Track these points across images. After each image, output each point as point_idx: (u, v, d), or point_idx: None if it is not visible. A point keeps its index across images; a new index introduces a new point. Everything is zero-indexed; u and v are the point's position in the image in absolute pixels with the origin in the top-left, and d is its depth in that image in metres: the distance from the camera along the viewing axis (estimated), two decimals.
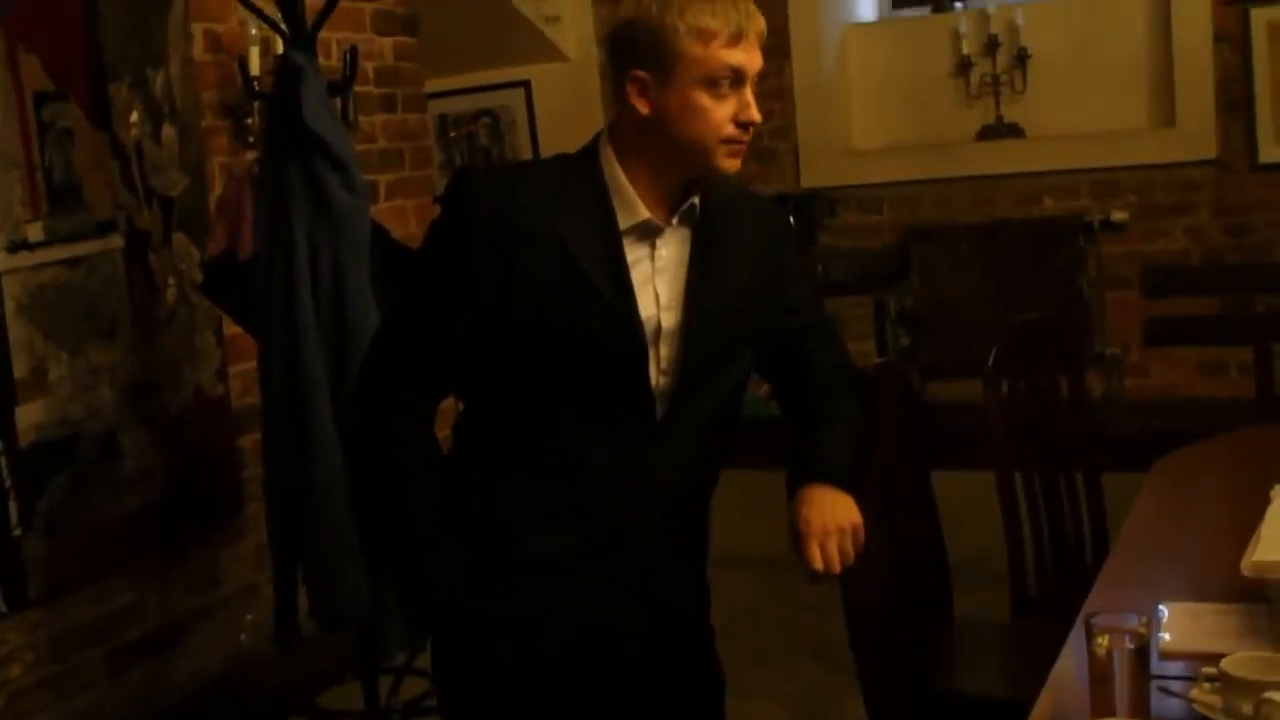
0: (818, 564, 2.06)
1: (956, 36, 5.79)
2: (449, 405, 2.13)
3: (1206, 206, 5.40)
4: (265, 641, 3.68)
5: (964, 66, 5.79)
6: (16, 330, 3.20)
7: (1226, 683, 1.65)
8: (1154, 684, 1.68)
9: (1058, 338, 3.33)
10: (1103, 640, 1.65)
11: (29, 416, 3.23)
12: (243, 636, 3.72)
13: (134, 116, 3.50)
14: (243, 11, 3.45)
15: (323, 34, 4.11)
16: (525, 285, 1.98)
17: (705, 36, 1.90)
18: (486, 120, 6.08)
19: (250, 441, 3.72)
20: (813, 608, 3.49)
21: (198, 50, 3.74)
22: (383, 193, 4.43)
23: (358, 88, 4.24)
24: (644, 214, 2.01)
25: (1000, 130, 5.74)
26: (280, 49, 3.20)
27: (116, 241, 3.44)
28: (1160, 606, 2.05)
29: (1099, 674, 1.65)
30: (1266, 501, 2.24)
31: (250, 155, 3.71)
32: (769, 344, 2.20)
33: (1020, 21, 5.68)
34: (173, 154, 3.61)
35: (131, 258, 3.48)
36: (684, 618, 2.19)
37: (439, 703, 2.24)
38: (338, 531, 2.97)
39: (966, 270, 5.58)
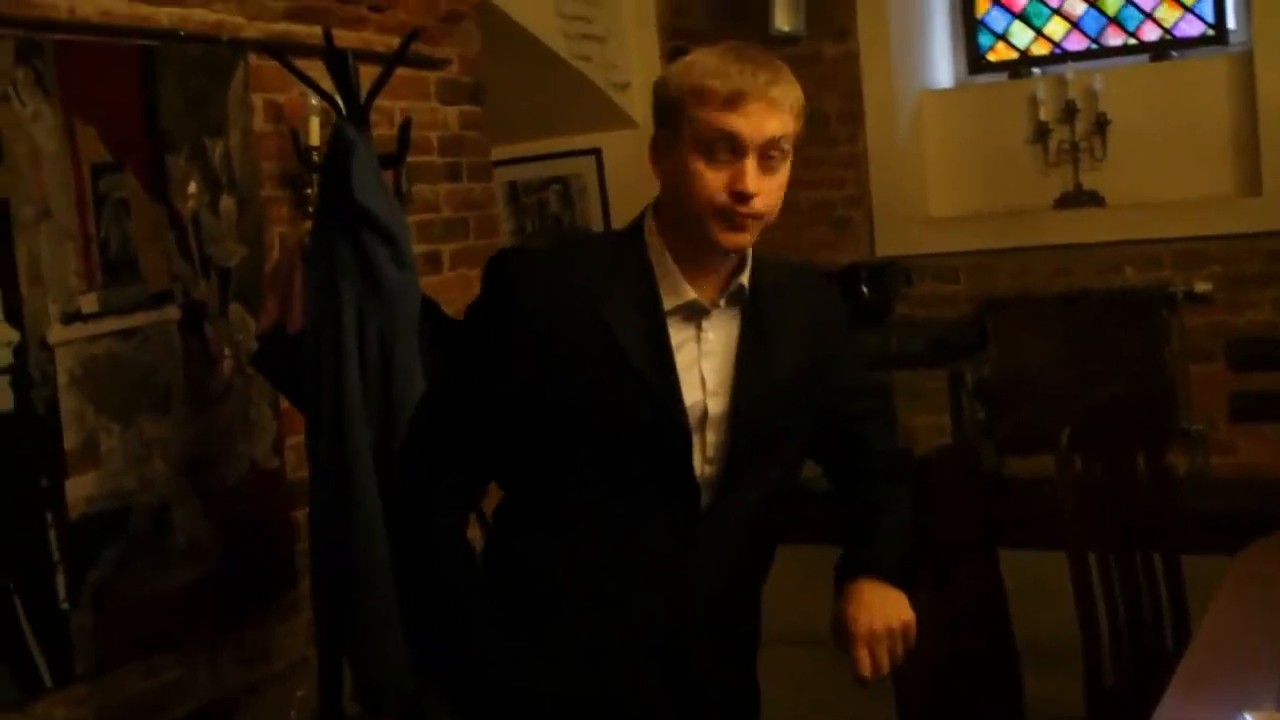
0: (865, 669, 1.96)
1: (1034, 103, 5.67)
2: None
3: None
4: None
5: (1042, 133, 5.67)
6: (68, 402, 3.19)
7: None
8: None
9: (1136, 413, 3.22)
10: None
11: (79, 489, 3.21)
12: (292, 714, 3.66)
13: (191, 187, 3.49)
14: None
15: (385, 103, 4.14)
16: (565, 371, 1.91)
17: (702, 97, 1.83)
18: (557, 187, 6.06)
19: (305, 515, 3.67)
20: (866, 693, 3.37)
21: (259, 120, 3.73)
22: (447, 262, 4.40)
23: (421, 157, 4.24)
24: (689, 294, 1.93)
25: (1079, 198, 5.61)
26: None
27: (172, 313, 3.43)
28: (1243, 715, 1.93)
29: None
30: None
31: (308, 226, 3.69)
32: (821, 429, 2.12)
33: (1099, 87, 5.56)
34: (230, 224, 3.59)
35: (187, 329, 3.46)
36: (731, 714, 2.10)
37: None
38: (382, 610, 2.91)
39: (1045, 342, 5.44)
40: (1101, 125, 5.56)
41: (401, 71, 4.21)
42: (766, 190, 1.87)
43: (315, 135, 3.63)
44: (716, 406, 1.95)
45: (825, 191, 5.88)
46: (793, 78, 1.92)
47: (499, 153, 5.04)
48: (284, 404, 3.64)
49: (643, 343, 1.91)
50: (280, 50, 3.36)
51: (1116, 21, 5.82)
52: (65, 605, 3.14)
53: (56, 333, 3.16)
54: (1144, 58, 5.73)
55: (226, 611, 3.55)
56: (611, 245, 2.02)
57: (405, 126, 3.39)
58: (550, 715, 1.99)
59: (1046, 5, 5.91)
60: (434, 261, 4.30)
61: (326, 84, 3.19)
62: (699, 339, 1.95)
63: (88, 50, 3.25)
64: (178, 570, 3.41)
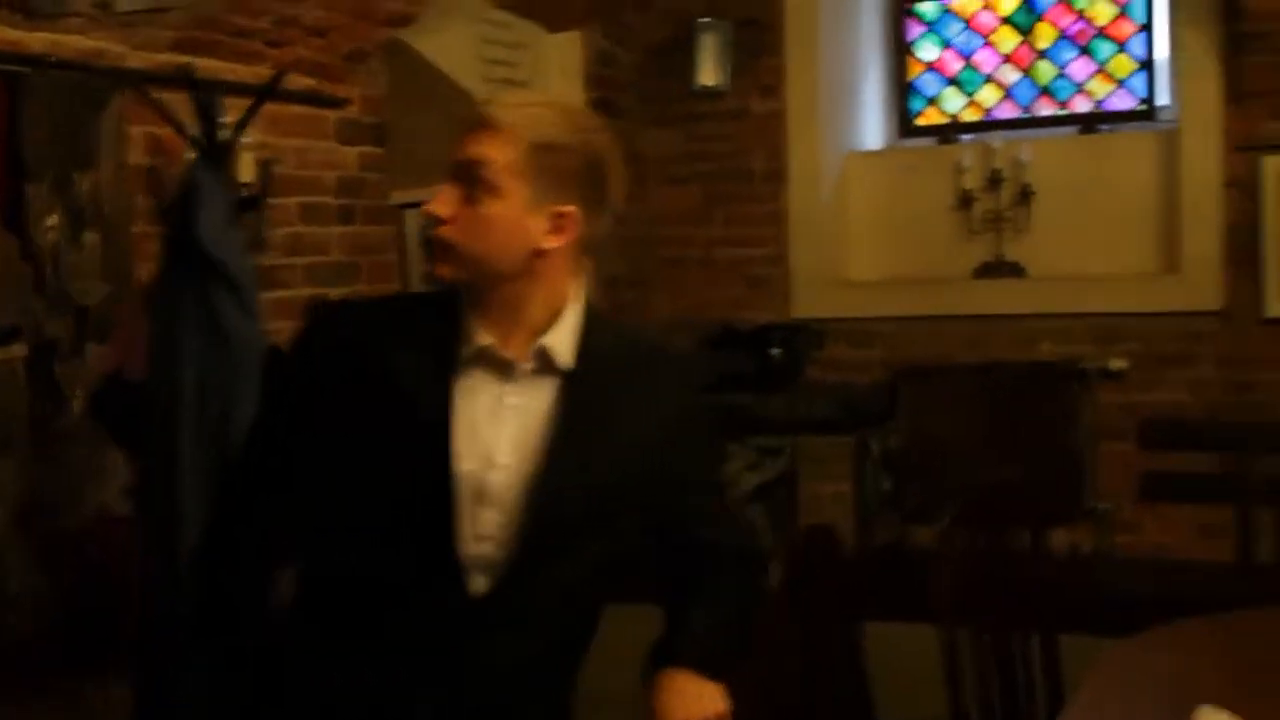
0: None
1: (960, 169, 5.60)
2: None
3: (1209, 359, 5.15)
4: None
5: (966, 201, 5.60)
6: None
7: None
8: None
9: (1027, 492, 3.19)
10: None
11: None
12: None
13: (52, 220, 3.34)
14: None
15: (279, 141, 4.02)
16: (342, 423, 1.80)
17: None
18: None
19: None
20: None
21: (136, 153, 3.59)
22: None
23: (313, 198, 4.13)
24: (483, 340, 1.81)
25: (1000, 269, 5.53)
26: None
27: (18, 350, 3.28)
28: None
29: None
30: None
31: None
32: (651, 521, 1.99)
33: (1026, 157, 5.49)
34: (94, 260, 3.44)
35: (34, 367, 3.31)
36: None
37: None
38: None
39: (956, 413, 5.34)
40: (1026, 195, 5.49)
41: (299, 110, 4.12)
42: (463, 220, 1.78)
43: None
44: (503, 480, 1.81)
45: (745, 249, 5.79)
46: (546, 108, 1.82)
47: (416, 195, 4.91)
48: None
49: (424, 396, 1.79)
50: (140, 80, 3.22)
51: (1048, 92, 5.77)
52: None
53: None
54: (1073, 129, 5.67)
55: (65, 666, 3.38)
56: (436, 295, 1.91)
57: (265, 167, 3.27)
58: None
59: (979, 72, 5.85)
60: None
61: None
62: (500, 401, 1.83)
63: None
64: (9, 621, 3.25)
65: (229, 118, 3.44)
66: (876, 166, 5.88)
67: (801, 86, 5.70)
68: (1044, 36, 5.72)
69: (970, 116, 5.87)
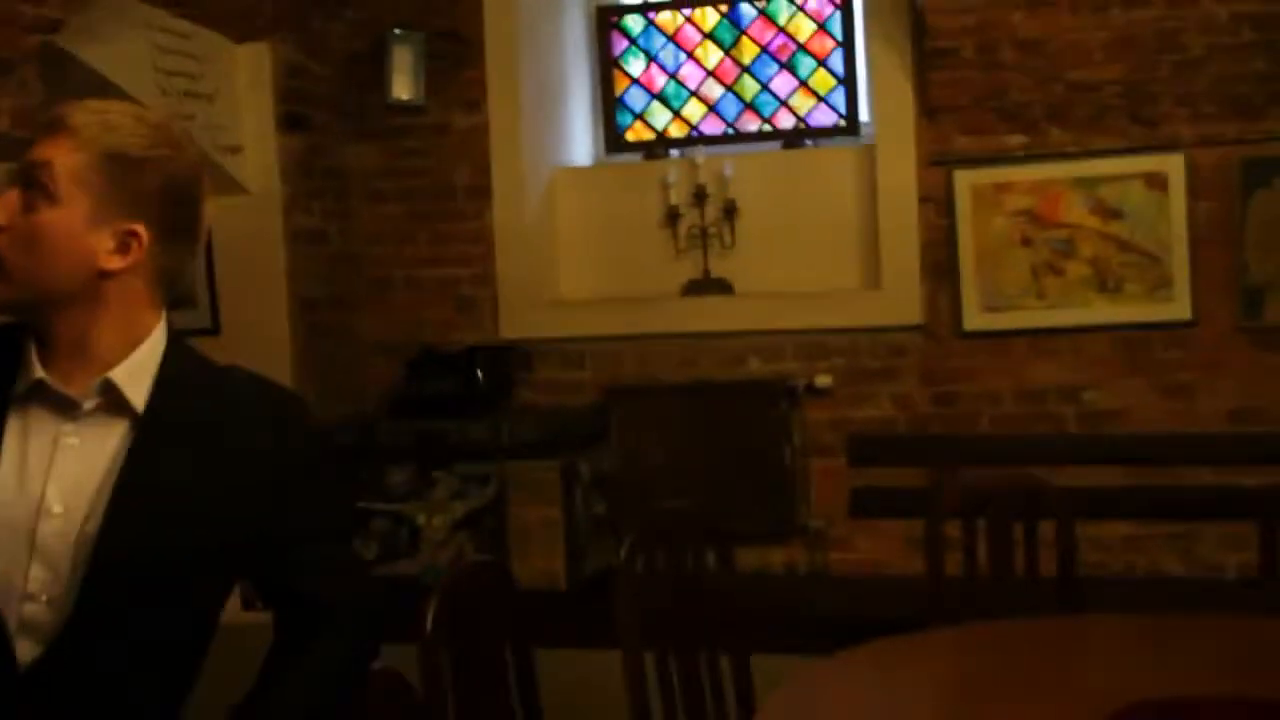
0: None
1: (666, 185, 5.52)
2: None
3: (913, 373, 5.17)
4: None
5: (673, 217, 5.52)
6: None
7: None
8: None
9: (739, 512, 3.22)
10: None
11: None
12: None
13: None
14: None
15: None
16: None
17: None
18: None
19: None
20: None
21: None
22: None
23: None
24: (36, 373, 1.60)
25: (707, 286, 5.47)
26: None
27: None
28: None
29: None
30: None
31: None
32: (245, 572, 1.78)
33: (729, 172, 5.44)
34: None
35: None
36: None
37: None
38: None
39: (668, 433, 5.25)
40: (730, 211, 5.44)
41: None
42: (18, 228, 1.60)
43: None
44: (55, 530, 1.58)
45: (451, 269, 5.60)
46: (127, 117, 1.65)
47: None
48: None
49: None
50: None
51: (753, 107, 5.74)
52: None
53: None
54: (777, 145, 5.66)
55: None
56: (5, 325, 1.68)
57: None
58: None
59: (685, 87, 5.80)
60: None
61: None
62: (55, 441, 1.60)
63: None
64: None
65: None
66: (584, 182, 5.76)
67: (504, 100, 5.54)
68: (747, 52, 5.70)
69: (677, 132, 5.81)
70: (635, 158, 5.82)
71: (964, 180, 5.04)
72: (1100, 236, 4.96)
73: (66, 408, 1.62)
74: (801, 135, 5.64)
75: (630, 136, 5.87)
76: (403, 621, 2.09)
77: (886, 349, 5.19)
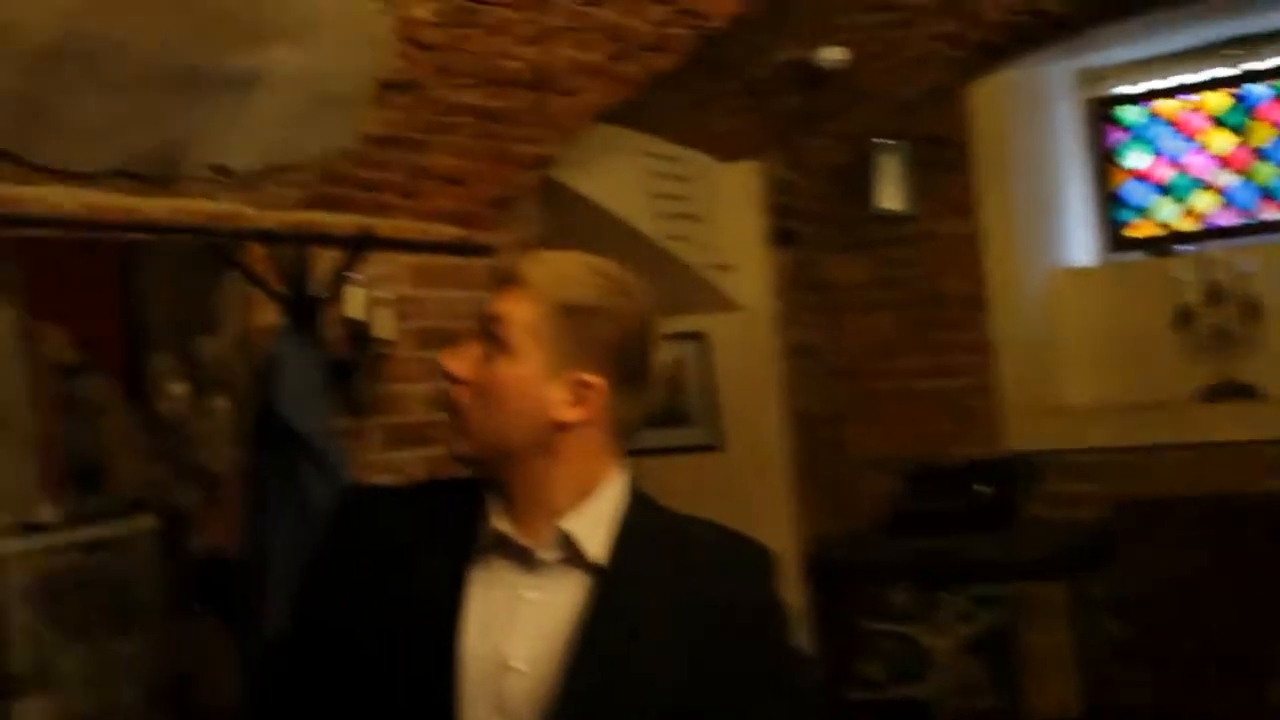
0: None
1: (1177, 284, 5.14)
2: None
3: None
4: None
5: (1186, 318, 5.12)
6: (19, 618, 2.96)
7: None
8: None
9: None
10: None
11: (29, 715, 2.96)
12: None
13: (176, 388, 3.28)
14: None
15: (426, 294, 3.91)
16: (355, 614, 1.63)
17: None
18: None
19: None
20: None
21: (264, 314, 3.51)
22: None
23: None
24: (500, 526, 1.60)
25: (1227, 390, 5.02)
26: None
27: (147, 522, 3.20)
28: None
29: None
30: None
31: None
32: None
33: (1250, 268, 5.00)
34: (222, 426, 3.36)
35: (165, 539, 3.22)
36: None
37: None
38: None
39: (1185, 551, 4.82)
40: (1252, 309, 4.99)
41: (445, 260, 4.01)
42: (477, 382, 1.60)
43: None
44: (520, 687, 1.56)
45: (946, 380, 5.42)
46: (579, 267, 1.64)
47: None
48: None
49: (433, 588, 1.59)
50: (259, 238, 3.13)
51: (1271, 195, 5.27)
52: None
53: (10, 543, 2.96)
54: None
55: None
56: (466, 479, 1.71)
57: (360, 332, 3.12)
58: None
59: (1192, 177, 5.40)
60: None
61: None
62: (516, 595, 1.59)
63: (58, 246, 3.08)
64: None
65: (364, 273, 3.36)
66: (1086, 284, 5.46)
67: (996, 203, 5.35)
68: (1260, 135, 5.25)
69: (1186, 226, 5.41)
70: (1139, 255, 5.47)
71: None
72: None
73: (525, 560, 1.61)
74: None
75: (1131, 233, 5.53)
76: None
77: None
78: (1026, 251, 5.40)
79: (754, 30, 3.72)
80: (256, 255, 3.18)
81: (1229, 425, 4.96)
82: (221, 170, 3.28)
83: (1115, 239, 5.56)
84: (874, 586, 4.91)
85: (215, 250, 3.20)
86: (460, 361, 1.61)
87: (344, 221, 3.63)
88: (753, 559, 1.71)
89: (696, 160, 5.17)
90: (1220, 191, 5.38)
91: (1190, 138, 5.40)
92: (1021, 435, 5.31)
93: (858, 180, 5.34)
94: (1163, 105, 5.45)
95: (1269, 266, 5.03)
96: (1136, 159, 5.50)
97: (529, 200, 4.29)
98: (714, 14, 3.53)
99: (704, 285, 5.37)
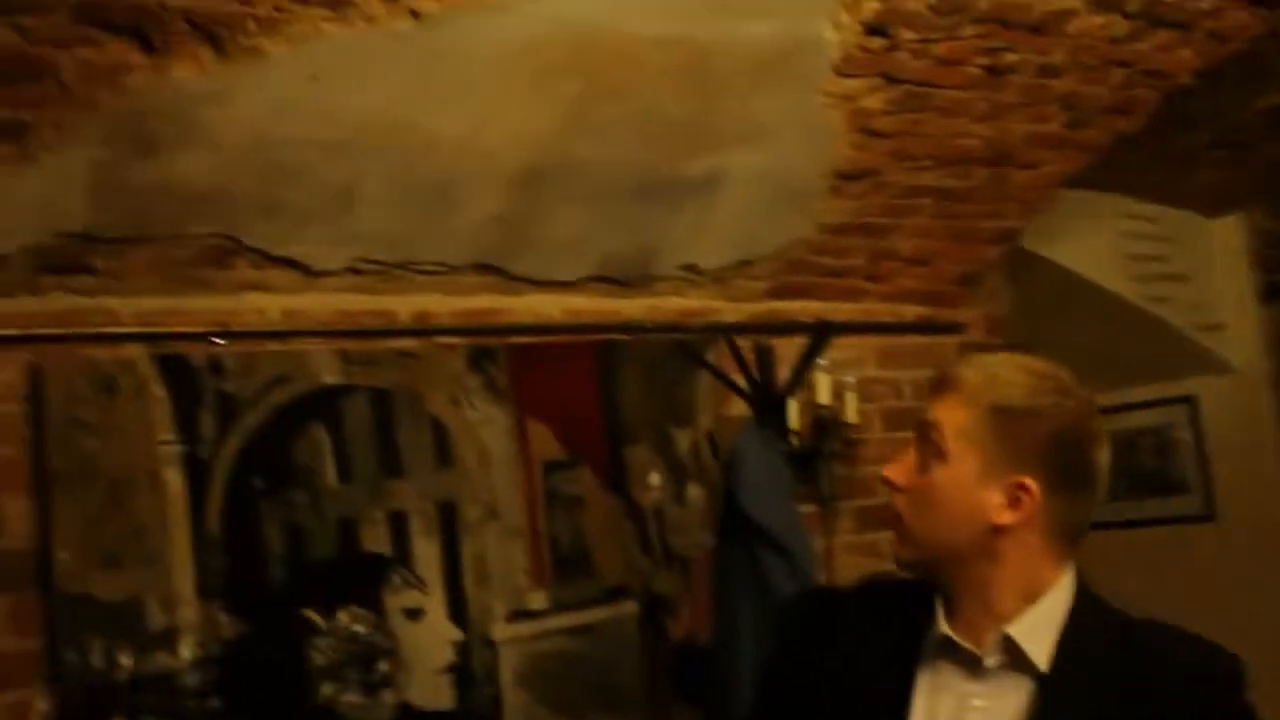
0: None
1: None
2: None
3: None
4: None
5: None
6: (513, 700, 3.17)
7: None
8: None
9: None
10: None
11: None
12: None
13: (653, 478, 3.43)
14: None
15: (892, 375, 3.93)
16: (806, 706, 1.68)
17: None
18: (1148, 439, 5.45)
19: None
20: None
21: (737, 404, 3.62)
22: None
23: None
24: (943, 630, 1.59)
25: None
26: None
27: (629, 607, 3.35)
28: None
29: None
30: None
31: None
32: None
33: None
34: (697, 513, 3.48)
35: (646, 623, 3.37)
36: None
37: None
38: None
39: None
40: None
41: (913, 341, 4.01)
42: (913, 489, 1.60)
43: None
44: None
45: None
46: (1014, 369, 1.62)
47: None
48: None
49: (879, 690, 1.61)
50: (730, 331, 3.24)
51: None
52: None
53: (501, 630, 3.18)
54: None
55: None
56: (913, 581, 1.71)
57: (819, 421, 3.15)
58: None
59: None
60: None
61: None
62: (965, 703, 1.57)
63: (543, 350, 3.31)
64: None
65: (829, 358, 3.41)
66: None
67: None
68: None
69: None
70: None
71: None
72: None
73: (970, 664, 1.59)
74: None
75: None
76: None
77: None
78: None
79: (1222, 81, 3.52)
80: (722, 353, 3.29)
81: None
82: (691, 269, 3.43)
83: None
84: None
85: (684, 347, 3.34)
86: (898, 469, 1.63)
87: (809, 308, 3.72)
88: (1221, 666, 1.61)
89: (1179, 217, 4.93)
90: None
91: None
92: None
93: None
94: None
95: None
96: None
97: (996, 274, 4.23)
98: (1178, 71, 3.38)
99: (1191, 347, 5.10)
